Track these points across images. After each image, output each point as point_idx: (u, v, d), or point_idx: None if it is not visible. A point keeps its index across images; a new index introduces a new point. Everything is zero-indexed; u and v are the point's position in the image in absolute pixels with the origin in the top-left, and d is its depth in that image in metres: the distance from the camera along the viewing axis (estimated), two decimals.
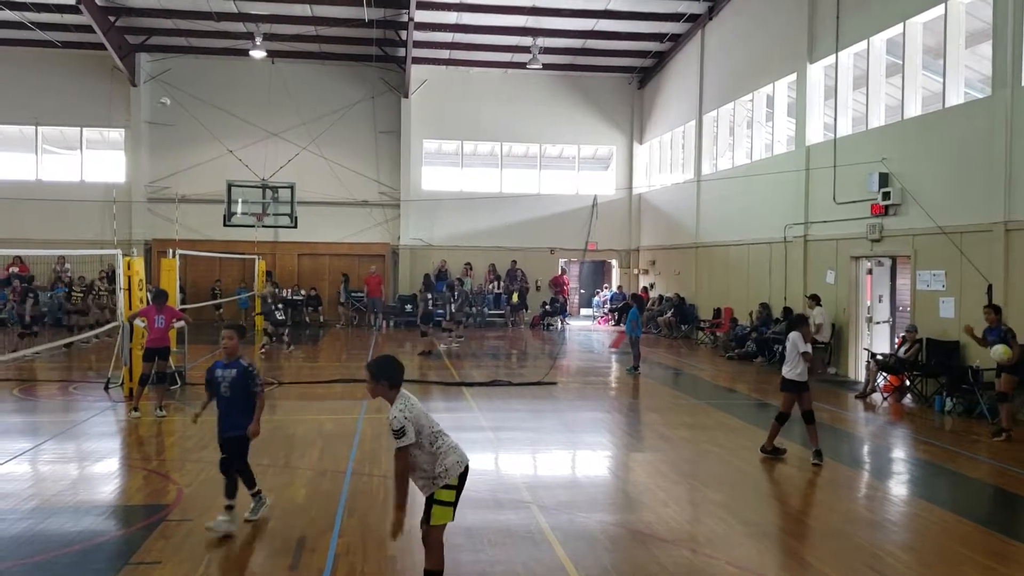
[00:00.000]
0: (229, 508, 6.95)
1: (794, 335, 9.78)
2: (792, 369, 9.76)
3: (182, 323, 13.66)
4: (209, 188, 26.89)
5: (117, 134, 28.53)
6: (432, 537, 5.35)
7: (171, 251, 16.65)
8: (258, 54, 25.99)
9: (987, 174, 13.03)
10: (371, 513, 7.53)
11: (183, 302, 20.67)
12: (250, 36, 25.58)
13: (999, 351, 11.28)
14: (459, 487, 5.34)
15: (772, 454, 9.92)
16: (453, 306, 22.58)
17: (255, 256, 26.03)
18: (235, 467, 7.10)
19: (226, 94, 28.30)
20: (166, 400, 12.27)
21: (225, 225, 24.76)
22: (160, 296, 12.36)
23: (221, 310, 26.95)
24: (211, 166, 27.63)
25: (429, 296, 21.98)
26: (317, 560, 6.36)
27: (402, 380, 5.34)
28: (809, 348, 9.80)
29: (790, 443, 10.42)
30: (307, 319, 27.30)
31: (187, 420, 11.79)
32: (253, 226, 24.92)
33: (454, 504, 5.32)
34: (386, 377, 5.28)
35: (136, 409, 11.83)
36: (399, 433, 5.13)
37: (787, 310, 18.82)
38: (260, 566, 6.36)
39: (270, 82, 28.45)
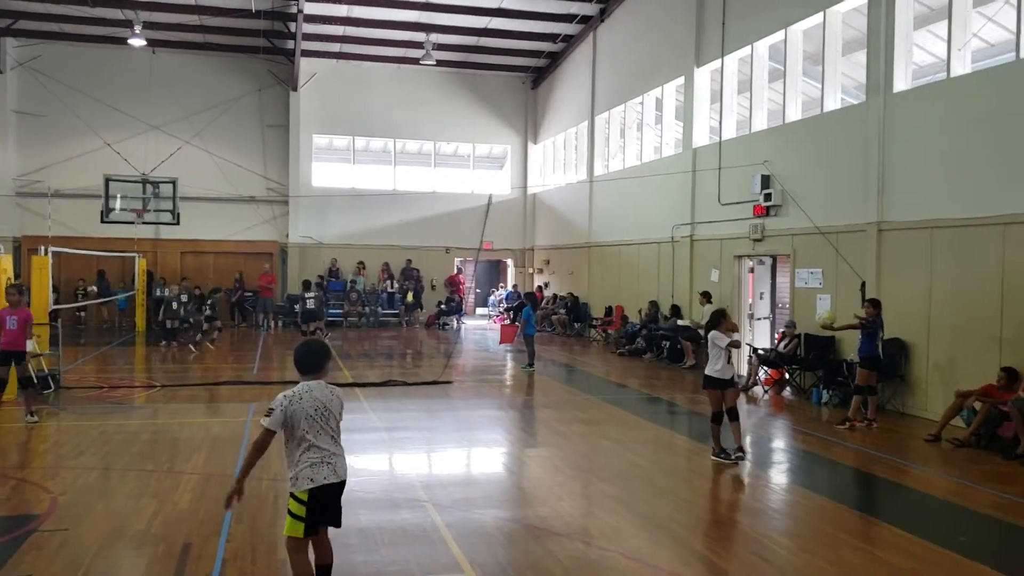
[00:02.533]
0: None
1: (713, 334, 9.61)
2: (713, 366, 9.61)
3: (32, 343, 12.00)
4: (85, 183, 25.54)
5: None
6: (287, 546, 5.18)
7: (43, 248, 15.70)
8: (137, 42, 24.78)
9: (861, 177, 13.72)
10: (260, 517, 7.29)
11: (56, 302, 19.59)
12: (128, 24, 24.35)
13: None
14: (311, 506, 5.04)
15: (723, 456, 9.58)
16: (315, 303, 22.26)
17: (135, 254, 24.90)
18: None
19: (103, 84, 26.87)
20: (37, 405, 11.56)
21: (103, 222, 23.68)
22: (12, 292, 11.15)
23: (84, 312, 25.60)
24: (87, 159, 26.23)
25: (307, 295, 21.83)
26: (204, 566, 6.12)
27: (309, 371, 5.24)
28: (735, 337, 9.73)
29: (680, 437, 10.69)
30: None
31: (62, 426, 11.17)
32: (132, 223, 23.86)
33: (305, 521, 5.04)
34: (295, 361, 5.30)
35: None
36: (268, 412, 5.05)
37: (675, 307, 19.40)
38: (143, 575, 6.06)
39: (151, 73, 27.23)
